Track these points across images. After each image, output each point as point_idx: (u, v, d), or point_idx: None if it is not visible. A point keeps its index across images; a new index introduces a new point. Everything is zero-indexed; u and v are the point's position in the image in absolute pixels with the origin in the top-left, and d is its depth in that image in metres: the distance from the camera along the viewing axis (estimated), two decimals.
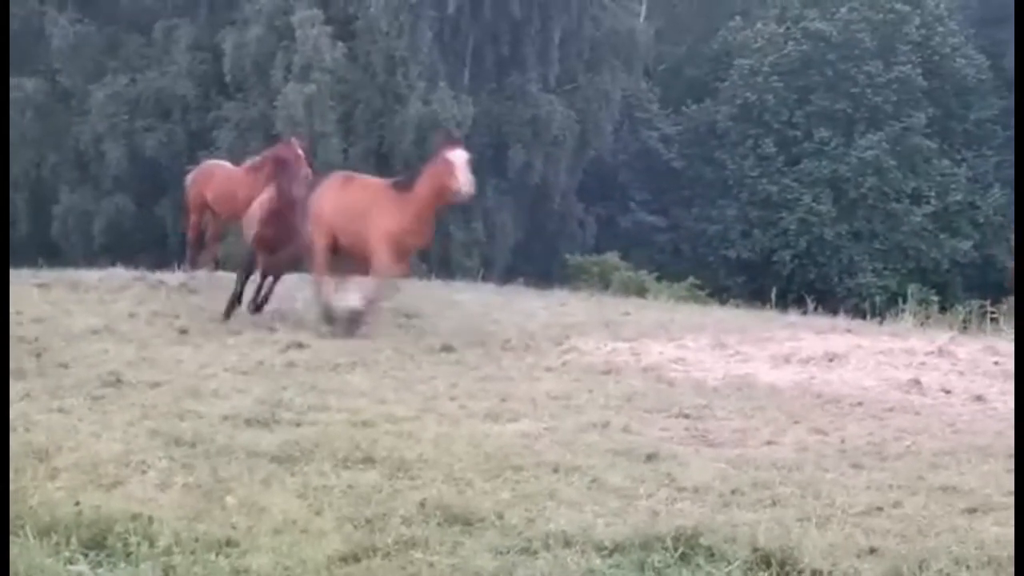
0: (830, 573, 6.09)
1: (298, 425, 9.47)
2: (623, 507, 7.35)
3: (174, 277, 20.50)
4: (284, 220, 15.93)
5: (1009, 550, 6.49)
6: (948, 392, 12.86)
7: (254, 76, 39.23)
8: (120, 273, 20.86)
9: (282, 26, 38.47)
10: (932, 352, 15.19)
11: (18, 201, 40.28)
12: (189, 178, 22.66)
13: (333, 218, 16.75)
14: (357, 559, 6.12)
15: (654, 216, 44.31)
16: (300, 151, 20.46)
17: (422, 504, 7.09)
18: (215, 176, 22.08)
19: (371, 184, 18.02)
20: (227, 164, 23.02)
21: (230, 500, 7.05)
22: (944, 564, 6.26)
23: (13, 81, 38.51)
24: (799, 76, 44.03)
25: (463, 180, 14.85)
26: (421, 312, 18.05)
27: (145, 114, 39.66)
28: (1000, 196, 42.81)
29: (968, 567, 6.26)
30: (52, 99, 40.66)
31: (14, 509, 6.46)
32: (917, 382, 13.25)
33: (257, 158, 21.74)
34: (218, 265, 22.28)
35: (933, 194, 43.00)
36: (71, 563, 5.77)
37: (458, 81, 39.77)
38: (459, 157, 15.21)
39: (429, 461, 8.28)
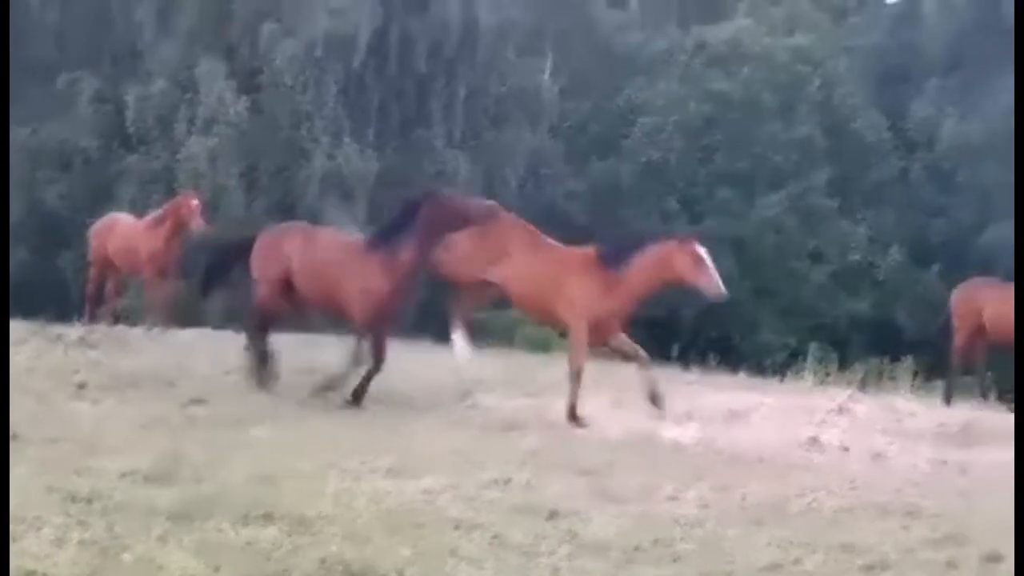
0: None
1: (198, 481, 9.21)
2: (524, 564, 7.33)
3: (73, 331, 19.60)
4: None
5: None
6: (847, 449, 13.05)
7: (157, 129, 38.20)
8: (17, 326, 19.08)
9: (185, 79, 37.89)
10: (832, 410, 15.12)
11: None
12: (91, 231, 22.54)
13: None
14: None
15: None
16: (195, 203, 20.93)
17: (322, 561, 6.95)
18: (115, 230, 21.83)
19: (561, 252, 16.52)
20: (128, 217, 22.85)
21: (126, 557, 6.83)
22: None
23: None
24: (701, 135, 43.59)
25: (714, 280, 13.68)
26: (324, 365, 16.79)
27: (46, 165, 39.04)
28: (898, 255, 42.64)
29: None
30: None
31: None
32: (817, 440, 13.35)
33: (158, 211, 21.86)
34: (117, 319, 22.04)
35: (833, 253, 42.75)
36: None
37: (363, 136, 38.92)
38: (705, 253, 14.02)
39: (330, 517, 8.06)
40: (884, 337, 37.67)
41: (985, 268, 36.00)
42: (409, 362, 18.41)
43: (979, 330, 18.48)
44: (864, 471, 11.84)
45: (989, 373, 20.17)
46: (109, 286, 22.32)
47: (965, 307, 18.76)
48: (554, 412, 14.57)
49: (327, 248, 14.88)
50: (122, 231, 21.83)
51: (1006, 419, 17.14)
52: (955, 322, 18.87)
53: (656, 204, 42.67)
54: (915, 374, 23.33)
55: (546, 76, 44.57)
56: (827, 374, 23.33)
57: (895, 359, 25.57)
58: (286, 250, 14.79)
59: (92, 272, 22.28)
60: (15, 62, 39.18)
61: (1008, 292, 18.49)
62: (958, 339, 18.81)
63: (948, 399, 18.45)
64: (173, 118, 37.61)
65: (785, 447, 13.07)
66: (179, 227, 20.78)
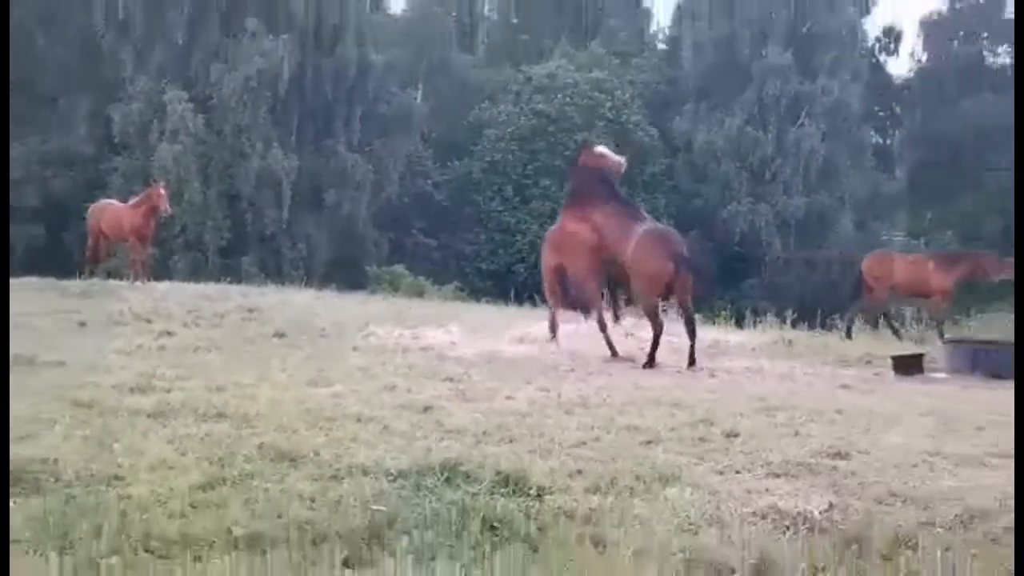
0: (550, 488, 6.29)
1: (168, 391, 9.36)
2: (405, 445, 7.39)
3: (76, 284, 20.73)
4: None
5: (672, 470, 6.86)
6: (632, 361, 13.66)
7: (136, 138, 40.12)
8: (35, 282, 20.89)
9: (156, 102, 39.55)
10: (622, 334, 15.44)
11: None
12: (89, 211, 24.00)
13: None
14: (212, 487, 6.07)
15: (428, 239, 45.15)
16: (163, 192, 22.30)
17: (260, 446, 7.11)
18: (107, 211, 23.31)
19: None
20: (115, 202, 24.15)
21: (117, 446, 6.95)
22: (628, 480, 6.54)
23: None
24: (529, 142, 45.46)
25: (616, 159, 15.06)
26: (260, 308, 18.10)
27: (54, 165, 40.66)
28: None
29: (644, 481, 6.54)
30: None
31: None
32: (614, 353, 14.06)
33: (137, 197, 23.14)
34: (108, 275, 23.59)
35: None
36: None
37: (287, 143, 40.80)
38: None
39: (265, 416, 8.25)
40: None
41: (727, 234, 42.78)
42: (321, 305, 19.83)
43: (890, 287, 19.02)
44: (644, 376, 12.26)
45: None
46: (102, 251, 23.65)
47: (879, 269, 19.18)
48: (426, 338, 15.04)
49: None
50: (111, 211, 23.12)
51: (744, 336, 18.14)
52: (869, 281, 19.23)
53: (497, 191, 45.52)
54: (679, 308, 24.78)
55: (418, 100, 47.86)
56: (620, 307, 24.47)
57: (666, 299, 25.52)
58: None
59: (90, 241, 23.36)
60: (29, 90, 41.14)
61: (905, 259, 19.77)
62: (875, 293, 19.33)
63: (849, 334, 18.60)
64: (148, 130, 39.64)
65: (588, 360, 13.50)
66: (152, 208, 22.09)
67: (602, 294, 15.01)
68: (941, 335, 17.43)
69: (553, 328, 14.85)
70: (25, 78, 41.62)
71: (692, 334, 13.51)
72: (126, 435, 7.40)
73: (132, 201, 23.06)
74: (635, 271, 13.95)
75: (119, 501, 5.74)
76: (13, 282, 19.62)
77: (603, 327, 14.32)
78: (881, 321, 19.46)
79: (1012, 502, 6.22)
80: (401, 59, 46.76)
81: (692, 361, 13.28)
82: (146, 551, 5.00)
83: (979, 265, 19.14)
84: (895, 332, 18.56)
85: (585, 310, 14.53)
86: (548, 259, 15.18)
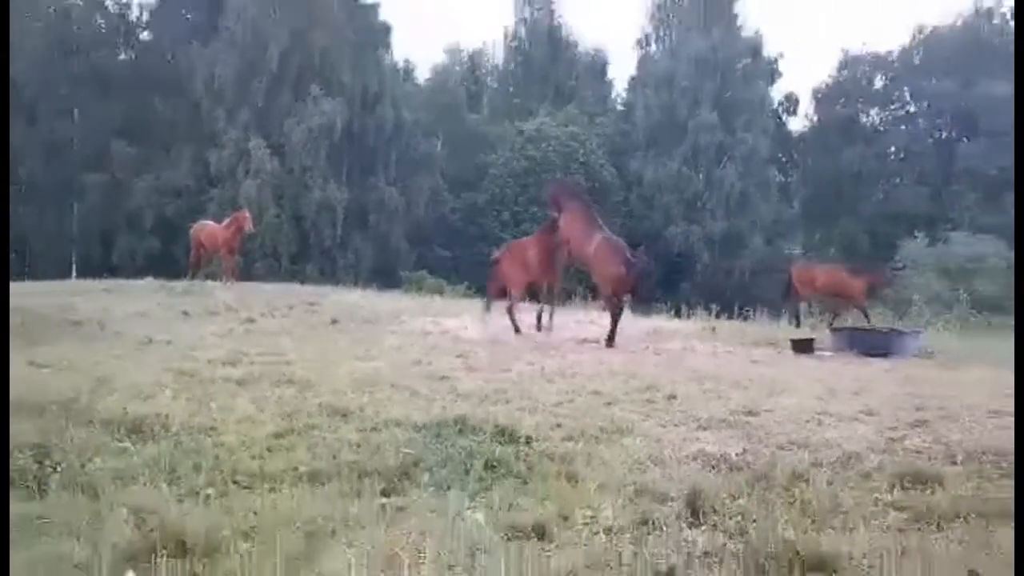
0: (536, 437, 6.12)
1: (252, 364, 9.18)
2: (426, 405, 7.16)
3: (181, 285, 20.40)
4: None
5: (627, 424, 6.70)
6: (596, 342, 13.20)
7: (227, 175, 39.89)
8: (152, 282, 20.96)
9: (243, 148, 39.42)
10: (588, 322, 15.39)
11: (98, 243, 40.61)
12: (191, 230, 23.43)
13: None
14: (283, 436, 5.98)
15: (445, 251, 44.49)
16: (247, 215, 21.93)
17: (319, 405, 6.95)
18: (205, 229, 22.77)
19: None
20: (211, 222, 23.57)
21: (213, 405, 6.80)
22: (594, 431, 6.36)
23: (95, 176, 39.97)
24: (522, 179, 44.69)
25: None
26: (319, 302, 17.81)
27: (166, 195, 40.51)
28: (626, 244, 43.80)
29: (606, 432, 6.41)
30: (112, 188, 40.75)
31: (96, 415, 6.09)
32: (584, 338, 13.64)
33: (228, 219, 22.54)
34: (206, 277, 22.58)
35: None
36: (120, 441, 5.60)
37: (340, 179, 40.55)
38: None
39: (323, 382, 8.02)
40: None
41: (674, 250, 42.10)
42: (365, 300, 19.51)
43: (813, 290, 18.25)
44: (606, 354, 11.88)
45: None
46: (202, 260, 22.90)
47: (805, 277, 18.36)
48: (444, 325, 14.71)
49: None
50: (208, 229, 22.61)
51: (680, 324, 17.49)
52: (797, 285, 18.38)
53: (497, 216, 44.82)
54: (632, 303, 24.59)
55: (438, 148, 47.41)
56: (589, 304, 23.53)
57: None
58: None
59: (192, 252, 22.78)
60: (148, 139, 41.24)
61: (824, 269, 18.78)
62: (800, 294, 18.51)
63: (796, 322, 18.14)
64: (236, 169, 39.70)
65: (564, 342, 13.22)
66: (239, 227, 21.71)
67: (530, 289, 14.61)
68: (830, 324, 17.19)
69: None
70: (145, 131, 41.92)
71: (614, 321, 13.06)
72: (219, 397, 7.30)
73: (224, 222, 22.74)
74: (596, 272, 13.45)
75: (214, 446, 5.70)
76: (137, 283, 21.05)
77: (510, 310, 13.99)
78: (786, 312, 19.17)
79: (877, 447, 6.28)
80: (425, 117, 46.17)
81: (610, 340, 12.83)
82: (234, 483, 4.99)
83: (880, 274, 19.15)
84: (797, 321, 18.29)
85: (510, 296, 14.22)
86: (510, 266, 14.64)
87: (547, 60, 52.06)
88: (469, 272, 39.82)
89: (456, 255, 44.50)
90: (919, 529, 4.51)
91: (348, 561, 3.85)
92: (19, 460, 5.00)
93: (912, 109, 50.42)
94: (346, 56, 41.58)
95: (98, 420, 6.06)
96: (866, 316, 17.64)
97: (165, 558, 3.84)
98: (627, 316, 14.00)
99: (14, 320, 11.19)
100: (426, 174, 44.67)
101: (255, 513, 4.44)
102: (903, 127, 50.39)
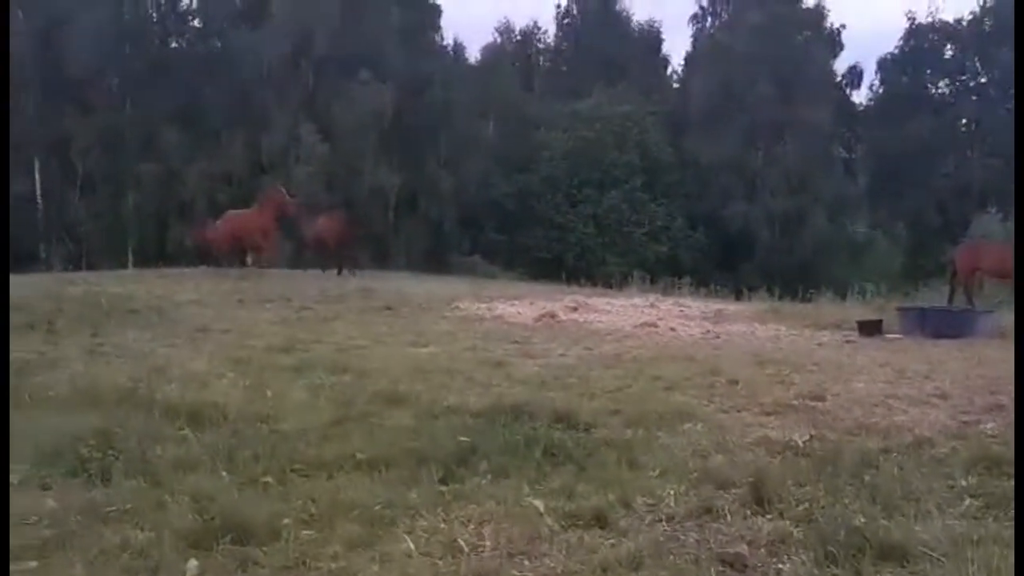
0: (593, 424, 6.09)
1: (306, 351, 9.33)
2: (483, 391, 7.18)
3: (234, 272, 21.00)
4: None
5: (688, 410, 6.69)
6: (655, 326, 13.57)
7: (279, 161, 40.06)
8: (206, 270, 21.82)
9: (293, 134, 39.75)
10: (647, 305, 15.80)
11: (153, 232, 40.86)
12: (217, 223, 23.71)
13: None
14: (340, 423, 5.99)
15: (499, 236, 44.34)
16: (281, 190, 22.19)
17: (375, 393, 6.97)
18: (235, 218, 23.02)
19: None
20: (239, 211, 23.59)
21: (269, 393, 6.85)
22: (654, 419, 6.31)
23: (149, 166, 40.04)
24: (576, 160, 44.76)
25: None
26: (372, 288, 18.24)
27: (219, 182, 40.50)
28: (680, 223, 44.00)
29: (666, 418, 6.34)
30: (166, 176, 40.75)
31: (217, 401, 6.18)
32: (643, 322, 13.99)
33: (256, 205, 22.74)
34: (254, 264, 23.17)
35: (646, 222, 43.72)
36: (180, 430, 5.62)
37: (393, 163, 40.42)
38: None
39: (378, 369, 8.10)
40: (674, 268, 37.77)
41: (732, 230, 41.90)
42: (418, 285, 19.93)
43: (980, 270, 16.89)
44: (666, 338, 12.16)
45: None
46: (246, 247, 23.06)
47: (970, 256, 17.01)
48: (497, 310, 15.02)
49: None
50: (240, 217, 22.79)
51: (741, 306, 17.81)
52: (961, 266, 16.98)
53: (551, 198, 44.62)
54: (691, 286, 24.85)
55: (490, 129, 47.34)
56: (644, 286, 25.19)
57: (680, 279, 26.11)
58: None
59: (224, 245, 23.22)
60: (200, 126, 41.43)
61: (992, 247, 17.28)
62: (966, 275, 16.98)
63: (969, 304, 16.54)
64: (287, 155, 39.98)
65: (622, 325, 13.52)
66: (275, 207, 21.71)
67: None
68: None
69: None
70: (197, 117, 42.20)
71: None
72: (275, 384, 7.36)
73: (255, 207, 22.73)
74: None
75: (271, 434, 5.74)
76: (191, 270, 21.65)
77: None
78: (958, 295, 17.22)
79: (950, 432, 6.17)
80: (476, 98, 45.60)
81: None
82: (292, 471, 5.00)
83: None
84: (970, 303, 16.29)
85: None
86: None
87: (600, 37, 51.50)
88: (522, 256, 43.26)
89: (509, 239, 44.60)
90: (995, 518, 4.38)
91: (408, 548, 3.86)
92: (82, 450, 5.05)
93: (983, 80, 48.74)
94: (395, 38, 41.65)
95: (158, 408, 6.13)
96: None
97: (227, 544, 3.88)
98: (687, 298, 14.30)
99: (74, 310, 11.76)
100: (478, 157, 44.62)
101: (314, 500, 4.46)
102: (973, 97, 48.85)
